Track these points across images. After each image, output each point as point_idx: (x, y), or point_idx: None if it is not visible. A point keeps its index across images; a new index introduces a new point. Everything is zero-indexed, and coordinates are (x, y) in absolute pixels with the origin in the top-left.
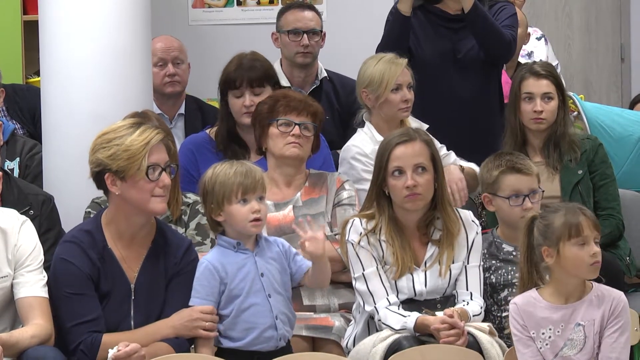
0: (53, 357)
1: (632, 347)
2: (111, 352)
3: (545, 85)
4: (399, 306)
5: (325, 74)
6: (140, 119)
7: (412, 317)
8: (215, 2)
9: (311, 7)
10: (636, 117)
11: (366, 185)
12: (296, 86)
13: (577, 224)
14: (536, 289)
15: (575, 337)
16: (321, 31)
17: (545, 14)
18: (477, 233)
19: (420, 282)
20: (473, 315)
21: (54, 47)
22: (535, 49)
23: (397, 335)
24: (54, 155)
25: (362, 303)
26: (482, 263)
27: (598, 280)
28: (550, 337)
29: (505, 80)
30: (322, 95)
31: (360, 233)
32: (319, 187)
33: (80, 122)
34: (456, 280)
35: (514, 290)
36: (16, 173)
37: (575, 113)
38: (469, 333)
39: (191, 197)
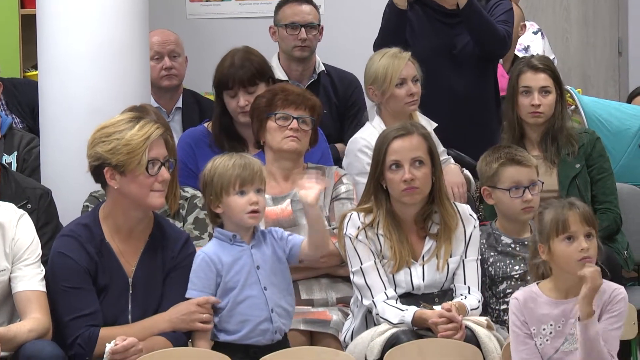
0: (50, 351)
1: (629, 341)
2: (108, 347)
3: (542, 79)
4: (396, 300)
5: (323, 68)
6: (139, 113)
7: (410, 311)
8: None
9: (309, 1)
10: (634, 111)
11: None
12: (294, 80)
13: (563, 220)
14: (537, 284)
15: (575, 332)
16: (319, 25)
17: (543, 7)
18: (474, 227)
19: (418, 276)
20: (471, 309)
21: (52, 41)
22: (532, 43)
23: (394, 330)
24: (52, 149)
25: (360, 297)
26: (480, 257)
27: (602, 272)
28: (550, 332)
29: (501, 73)
30: (320, 89)
31: (358, 227)
32: None
33: (78, 116)
34: (454, 274)
35: (512, 282)
36: (14, 167)
37: (573, 107)
38: (466, 327)
39: (189, 192)
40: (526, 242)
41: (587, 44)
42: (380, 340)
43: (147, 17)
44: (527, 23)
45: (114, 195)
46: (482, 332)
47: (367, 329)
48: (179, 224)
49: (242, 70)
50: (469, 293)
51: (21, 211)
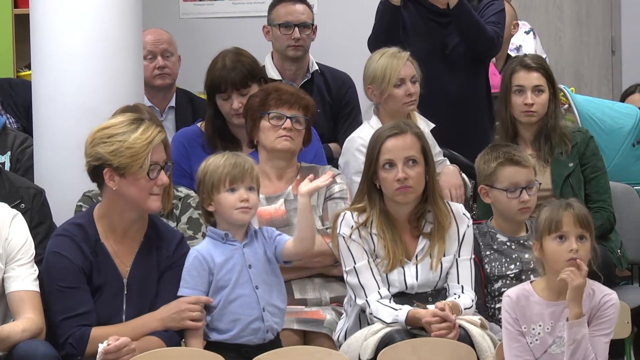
0: (44, 351)
1: (623, 340)
2: (101, 347)
3: (536, 78)
4: (390, 299)
5: (317, 67)
6: (138, 115)
7: (403, 311)
8: None
9: (302, 1)
10: (627, 110)
11: None
12: (287, 79)
13: (557, 219)
14: (530, 282)
15: (564, 335)
16: (312, 24)
17: (536, 6)
18: (468, 226)
19: (412, 275)
20: (464, 309)
21: (45, 40)
22: (524, 42)
23: (388, 329)
24: (45, 149)
25: (353, 296)
26: (473, 255)
27: (596, 277)
28: (539, 333)
29: (492, 71)
30: (314, 88)
31: (352, 226)
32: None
33: (71, 115)
34: (447, 273)
35: (507, 281)
36: (7, 166)
37: (566, 106)
38: (460, 326)
39: (183, 191)
40: (522, 241)
41: (580, 42)
42: (373, 339)
43: (140, 17)
44: (519, 22)
45: (111, 196)
46: (475, 332)
47: (360, 328)
48: (172, 224)
49: (234, 72)
50: (463, 292)
51: (14, 211)
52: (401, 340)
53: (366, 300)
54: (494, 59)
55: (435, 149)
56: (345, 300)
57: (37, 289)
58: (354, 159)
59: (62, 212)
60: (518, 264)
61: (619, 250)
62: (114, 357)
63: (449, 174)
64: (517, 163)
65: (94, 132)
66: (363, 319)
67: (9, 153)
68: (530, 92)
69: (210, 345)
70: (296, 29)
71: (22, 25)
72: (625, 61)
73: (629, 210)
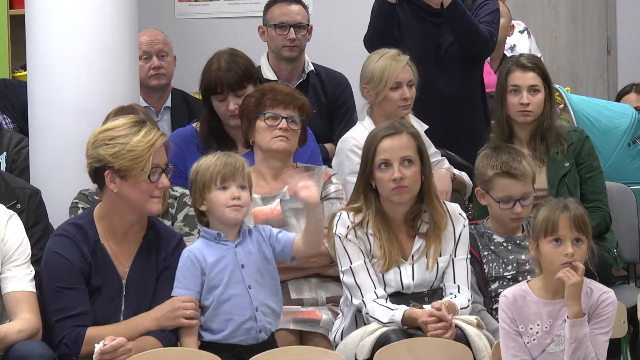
0: (40, 351)
1: (619, 339)
2: (97, 347)
3: (531, 78)
4: (386, 299)
5: (312, 68)
6: (140, 117)
7: (399, 311)
8: None
9: (298, 1)
10: (622, 110)
11: None
12: (283, 80)
13: (553, 222)
14: (527, 282)
15: (562, 333)
16: (308, 24)
17: (531, 6)
18: (464, 226)
19: (408, 275)
20: (461, 308)
21: (41, 41)
22: (518, 42)
23: (384, 329)
24: (41, 150)
25: (349, 296)
26: (469, 255)
27: (592, 277)
28: (537, 332)
29: (487, 70)
30: (309, 88)
31: (348, 226)
32: None
33: (66, 116)
34: (443, 273)
35: (504, 283)
36: (3, 167)
37: (562, 105)
38: (456, 326)
39: (178, 190)
40: (518, 241)
41: (575, 42)
42: (370, 339)
43: (136, 17)
44: (513, 22)
45: (111, 197)
46: (472, 331)
47: (357, 328)
48: (168, 223)
49: (229, 73)
50: (459, 292)
51: (10, 212)
52: (397, 340)
53: (362, 300)
54: (488, 58)
55: (431, 149)
56: (342, 300)
57: (34, 290)
58: (347, 160)
59: (57, 212)
60: (515, 265)
61: (615, 250)
62: (110, 357)
63: (437, 177)
64: (513, 176)
65: (95, 133)
66: (359, 319)
67: (4, 154)
68: (526, 92)
69: (204, 346)
70: (291, 29)
71: (17, 26)
72: (621, 61)
73: (625, 210)
